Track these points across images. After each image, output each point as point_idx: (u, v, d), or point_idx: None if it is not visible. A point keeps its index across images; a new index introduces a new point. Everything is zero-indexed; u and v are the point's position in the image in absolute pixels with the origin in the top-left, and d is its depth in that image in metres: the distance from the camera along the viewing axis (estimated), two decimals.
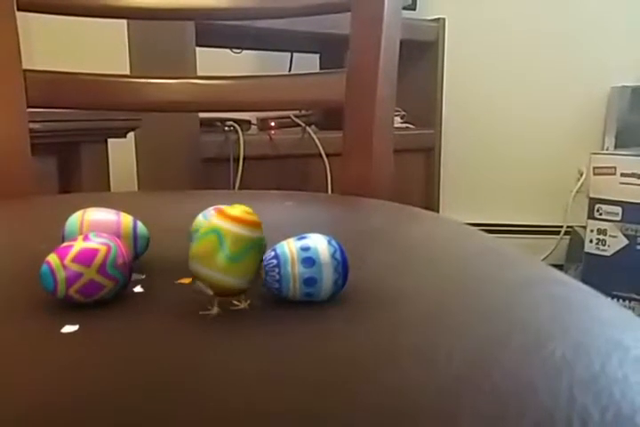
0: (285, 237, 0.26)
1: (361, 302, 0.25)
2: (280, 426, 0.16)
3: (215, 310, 0.24)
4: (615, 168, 1.58)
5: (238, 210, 0.24)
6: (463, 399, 0.18)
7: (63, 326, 0.22)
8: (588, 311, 0.25)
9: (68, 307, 0.24)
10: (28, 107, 0.59)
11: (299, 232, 0.27)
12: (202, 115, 1.26)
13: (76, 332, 0.22)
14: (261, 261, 0.24)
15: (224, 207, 0.24)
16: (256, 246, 0.24)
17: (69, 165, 0.89)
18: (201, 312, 0.24)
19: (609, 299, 0.26)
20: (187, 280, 0.29)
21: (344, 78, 0.61)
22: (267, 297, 0.25)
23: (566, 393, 0.18)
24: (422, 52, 1.66)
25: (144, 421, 0.17)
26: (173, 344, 0.21)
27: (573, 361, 0.20)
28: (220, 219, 0.24)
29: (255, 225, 0.24)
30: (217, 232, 0.23)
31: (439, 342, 0.22)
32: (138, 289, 0.27)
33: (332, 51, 1.60)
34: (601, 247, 1.62)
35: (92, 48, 1.51)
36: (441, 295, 0.27)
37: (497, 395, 0.18)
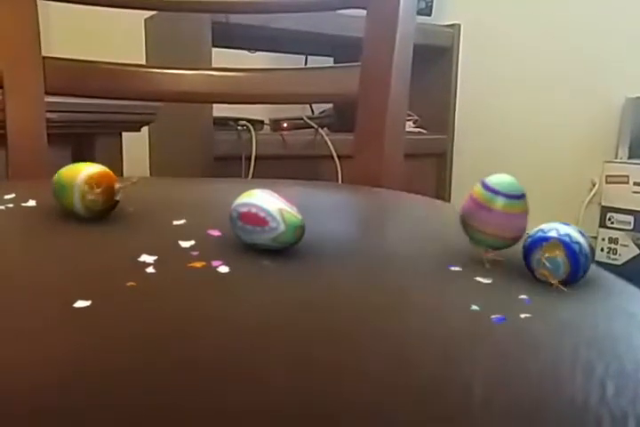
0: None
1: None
2: None
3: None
4: (628, 177, 1.57)
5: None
6: (469, 352, 0.18)
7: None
8: (595, 282, 0.25)
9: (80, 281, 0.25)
10: (47, 93, 0.60)
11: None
12: (215, 113, 1.27)
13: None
14: None
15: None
16: None
17: (83, 156, 0.90)
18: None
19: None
20: (198, 264, 0.29)
21: (358, 73, 0.61)
22: None
23: (571, 350, 0.18)
24: (437, 58, 1.66)
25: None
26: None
27: (579, 324, 0.20)
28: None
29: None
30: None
31: (453, 302, 0.22)
32: (150, 270, 0.27)
33: (346, 54, 1.60)
34: (612, 256, 1.60)
35: (109, 44, 1.52)
36: (446, 272, 0.27)
37: (501, 352, 0.18)
